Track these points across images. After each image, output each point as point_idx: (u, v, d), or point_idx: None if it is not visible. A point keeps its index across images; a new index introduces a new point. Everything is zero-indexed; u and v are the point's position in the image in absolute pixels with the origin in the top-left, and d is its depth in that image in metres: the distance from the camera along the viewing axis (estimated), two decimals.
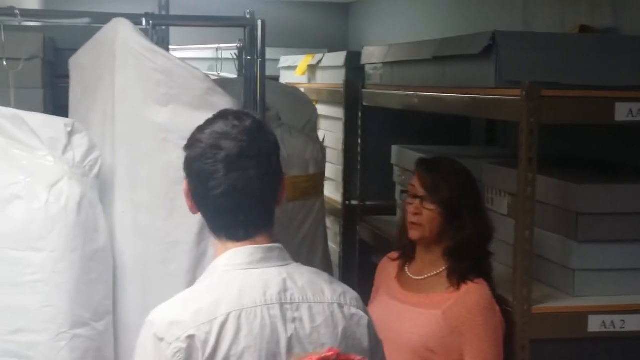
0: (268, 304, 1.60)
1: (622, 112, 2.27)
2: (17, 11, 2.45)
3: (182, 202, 2.33)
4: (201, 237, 2.35)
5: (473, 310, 2.24)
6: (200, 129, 1.73)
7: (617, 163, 2.80)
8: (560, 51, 2.39)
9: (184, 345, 1.55)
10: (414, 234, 2.39)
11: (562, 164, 2.66)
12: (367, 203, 3.67)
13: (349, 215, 3.74)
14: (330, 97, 4.03)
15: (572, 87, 2.27)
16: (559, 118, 2.29)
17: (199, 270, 2.34)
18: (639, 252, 2.33)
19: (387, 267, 2.55)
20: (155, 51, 2.33)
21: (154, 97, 2.33)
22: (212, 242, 1.73)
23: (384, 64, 3.39)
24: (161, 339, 1.57)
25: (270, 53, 2.83)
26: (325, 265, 3.14)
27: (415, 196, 2.38)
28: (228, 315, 1.58)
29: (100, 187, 2.33)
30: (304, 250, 3.04)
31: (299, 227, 3.00)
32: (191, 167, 1.70)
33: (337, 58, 3.98)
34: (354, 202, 3.74)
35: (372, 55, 3.54)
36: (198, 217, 2.35)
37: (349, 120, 3.76)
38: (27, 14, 2.66)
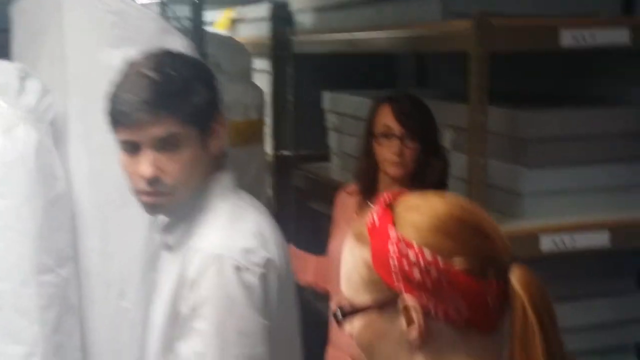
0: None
1: (567, 38, 2.38)
2: None
3: None
4: None
5: None
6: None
7: (565, 95, 2.92)
8: None
9: (264, 271, 1.62)
10: (396, 172, 2.41)
11: (508, 97, 2.79)
12: (301, 153, 3.78)
13: (281, 166, 3.84)
14: (254, 49, 4.09)
15: (517, 16, 2.40)
16: (508, 45, 2.38)
17: None
18: (584, 174, 2.50)
19: (345, 202, 2.62)
20: None
21: (106, 40, 2.33)
22: None
23: (317, 9, 3.50)
24: (242, 268, 1.61)
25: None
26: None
27: (391, 135, 2.39)
28: (273, 236, 1.71)
29: (53, 133, 2.33)
30: (252, 195, 3.11)
31: (243, 174, 3.07)
32: None
33: (261, 9, 4.05)
34: (286, 153, 3.84)
35: (304, 1, 3.63)
36: None
37: (276, 72, 3.84)
38: None
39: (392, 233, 1.18)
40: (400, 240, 1.18)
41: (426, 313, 1.17)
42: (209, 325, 1.65)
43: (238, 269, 1.61)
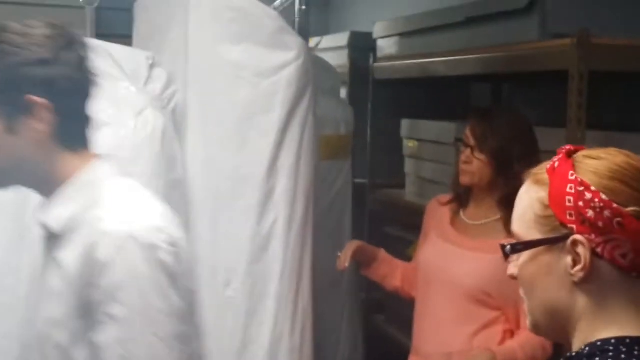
0: None
1: None
2: None
3: (252, 137, 2.54)
4: (270, 172, 2.51)
5: None
6: None
7: None
8: (603, 2, 2.59)
9: (177, 249, 1.56)
10: (463, 179, 2.51)
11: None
12: (376, 180, 3.90)
13: (357, 192, 3.95)
14: None
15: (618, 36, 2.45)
16: (609, 65, 2.43)
17: (269, 205, 2.52)
18: None
19: (437, 210, 2.69)
20: None
21: (227, 36, 2.48)
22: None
23: (402, 34, 3.64)
24: (156, 247, 1.53)
25: None
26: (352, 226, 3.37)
27: (467, 145, 2.50)
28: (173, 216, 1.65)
29: (174, 121, 2.46)
30: (336, 210, 3.24)
31: (330, 187, 3.20)
32: None
33: (339, 39, 4.19)
34: (361, 180, 3.94)
35: (387, 28, 3.78)
36: (268, 152, 2.55)
37: (355, 100, 3.92)
38: None
39: (572, 176, 1.27)
40: (578, 181, 1.25)
41: (593, 252, 1.24)
42: (128, 309, 1.53)
43: (152, 247, 1.52)
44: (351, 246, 2.69)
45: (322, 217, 2.92)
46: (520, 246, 1.32)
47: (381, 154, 3.89)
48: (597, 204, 1.23)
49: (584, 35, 2.35)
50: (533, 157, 2.41)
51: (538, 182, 1.32)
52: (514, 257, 1.34)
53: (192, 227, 2.48)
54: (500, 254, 2.28)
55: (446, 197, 2.68)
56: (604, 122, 2.70)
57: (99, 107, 2.26)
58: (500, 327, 2.45)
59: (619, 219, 1.22)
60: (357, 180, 3.94)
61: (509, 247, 1.33)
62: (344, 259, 2.65)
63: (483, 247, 2.45)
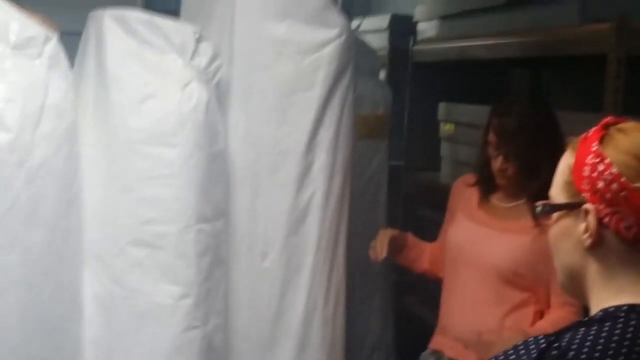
0: None
1: None
2: None
3: (293, 113, 2.58)
4: (310, 147, 2.56)
5: None
6: None
7: None
8: None
9: None
10: (501, 182, 2.54)
11: None
12: (411, 162, 3.98)
13: (392, 174, 4.02)
14: None
15: None
16: None
17: (307, 179, 2.58)
18: None
19: (464, 192, 2.70)
20: None
21: (272, 12, 2.52)
22: None
23: (442, 17, 3.70)
24: None
25: None
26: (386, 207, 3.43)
27: (496, 151, 2.48)
28: None
29: (218, 94, 2.48)
30: (371, 190, 3.31)
31: (366, 166, 3.28)
32: None
33: (380, 21, 4.26)
34: (397, 163, 4.01)
35: (428, 11, 3.85)
36: (308, 128, 2.61)
37: (393, 82, 3.99)
38: None
39: (594, 147, 1.33)
40: (597, 153, 1.31)
41: (601, 221, 1.30)
42: None
43: None
44: (386, 236, 2.69)
45: (357, 196, 2.97)
46: (547, 208, 1.39)
47: (417, 137, 3.97)
48: (607, 176, 1.29)
49: (623, 19, 2.39)
50: (560, 146, 2.38)
51: (572, 149, 1.39)
52: (546, 216, 1.41)
53: (232, 200, 2.54)
54: (531, 235, 2.37)
55: (472, 177, 2.70)
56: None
57: (147, 79, 2.38)
58: (531, 308, 2.48)
59: (624, 193, 1.27)
60: (392, 163, 4.01)
61: (539, 207, 1.40)
62: (381, 250, 2.65)
63: (513, 228, 2.49)
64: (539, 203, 1.41)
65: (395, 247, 2.73)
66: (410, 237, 2.83)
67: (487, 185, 2.62)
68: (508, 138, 2.45)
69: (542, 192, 2.34)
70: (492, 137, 2.51)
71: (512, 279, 2.47)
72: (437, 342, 2.68)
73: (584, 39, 2.62)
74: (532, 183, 2.43)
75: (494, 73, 3.85)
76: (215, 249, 2.44)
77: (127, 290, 2.36)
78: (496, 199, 2.61)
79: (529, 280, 2.46)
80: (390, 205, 3.85)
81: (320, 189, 2.60)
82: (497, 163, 2.50)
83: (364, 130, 3.14)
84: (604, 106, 2.45)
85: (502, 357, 1.28)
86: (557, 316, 2.39)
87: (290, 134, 2.56)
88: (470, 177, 2.71)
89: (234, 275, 2.55)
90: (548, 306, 2.47)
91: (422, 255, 2.84)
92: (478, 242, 2.54)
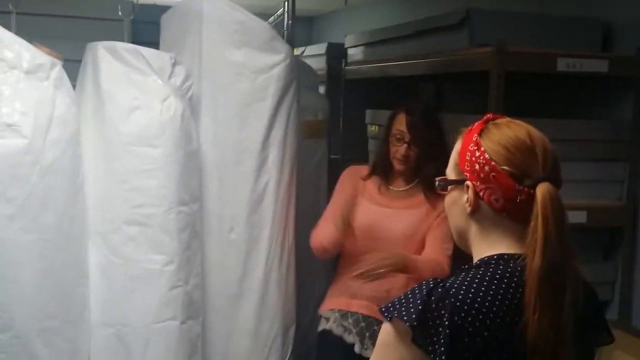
0: None
1: (562, 65, 2.47)
2: None
3: (250, 119, 2.56)
4: (264, 146, 2.56)
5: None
6: None
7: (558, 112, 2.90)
8: (512, 22, 2.65)
9: None
10: (400, 168, 2.48)
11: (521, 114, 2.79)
12: (347, 156, 3.97)
13: (332, 166, 4.03)
14: None
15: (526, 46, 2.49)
16: (519, 67, 2.45)
17: (262, 170, 2.57)
18: (569, 170, 2.53)
19: (358, 182, 2.59)
20: (234, 8, 2.51)
21: (231, 42, 2.51)
22: None
23: (367, 44, 3.71)
24: None
25: None
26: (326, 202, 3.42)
27: (403, 140, 2.44)
28: None
29: (190, 107, 2.46)
30: (315, 177, 3.29)
31: (310, 160, 3.26)
32: None
33: (319, 48, 4.25)
34: (336, 156, 4.02)
35: (355, 40, 3.86)
36: (262, 131, 2.60)
37: (330, 95, 3.97)
38: None
39: (474, 137, 1.33)
40: (475, 142, 1.32)
41: (477, 194, 1.31)
42: None
43: None
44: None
45: (305, 183, 2.94)
46: (442, 183, 1.40)
47: (351, 136, 3.91)
48: (481, 161, 1.29)
49: (501, 44, 2.40)
50: (444, 140, 2.43)
51: (461, 138, 1.37)
52: (444, 190, 1.41)
53: (205, 187, 2.53)
54: (424, 208, 2.31)
55: (363, 169, 2.63)
56: (516, 111, 2.77)
57: (133, 94, 2.36)
58: None
59: (494, 174, 1.27)
60: (333, 156, 4.01)
61: (437, 182, 1.41)
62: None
63: (410, 205, 2.49)
64: (438, 178, 1.41)
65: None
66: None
67: (386, 175, 2.57)
68: (414, 129, 2.43)
69: (433, 174, 2.19)
70: (397, 131, 2.46)
71: (414, 244, 2.43)
72: (342, 302, 2.51)
73: (472, 60, 2.61)
74: (426, 167, 2.41)
75: (407, 86, 3.87)
76: (192, 226, 2.43)
77: (123, 259, 2.35)
78: (393, 186, 2.56)
79: (418, 242, 2.43)
80: (330, 190, 3.86)
81: (273, 178, 2.60)
82: (401, 150, 2.45)
83: (308, 132, 3.14)
84: (488, 109, 2.44)
85: (402, 296, 1.28)
86: (430, 256, 2.38)
87: (249, 135, 2.56)
88: (361, 170, 2.64)
89: (207, 246, 2.54)
90: None
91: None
92: (385, 219, 2.48)
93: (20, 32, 2.29)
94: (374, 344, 2.25)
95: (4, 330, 2.18)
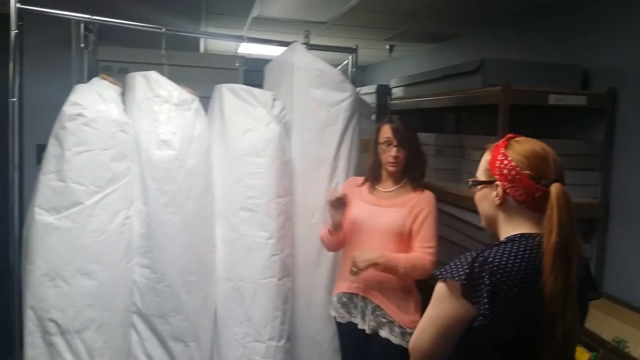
0: None
1: (552, 99, 2.44)
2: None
3: (326, 138, 2.52)
4: (336, 157, 2.54)
5: (429, 202, 2.15)
6: None
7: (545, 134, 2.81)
8: (514, 68, 2.63)
9: None
10: (393, 169, 2.19)
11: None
12: None
13: None
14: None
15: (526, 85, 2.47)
16: (521, 101, 2.41)
17: (334, 174, 2.54)
18: None
19: (354, 188, 2.29)
20: (315, 59, 2.55)
21: (313, 83, 2.54)
22: None
23: (405, 85, 3.68)
24: None
25: None
26: None
27: (392, 144, 2.17)
28: None
29: (285, 130, 2.50)
30: None
31: (362, 168, 3.23)
32: None
33: (371, 88, 4.20)
34: None
35: (397, 81, 3.83)
36: (335, 145, 2.52)
37: (379, 121, 3.94)
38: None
39: (502, 150, 1.32)
40: (504, 154, 1.31)
41: (505, 191, 1.31)
42: None
43: None
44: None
45: None
46: (475, 182, 1.38)
47: None
48: (509, 166, 1.30)
49: (507, 84, 2.39)
50: (420, 143, 2.25)
51: (489, 151, 1.37)
52: (475, 187, 1.39)
53: (294, 186, 2.52)
54: (408, 206, 2.14)
55: (359, 179, 2.32)
56: (518, 133, 2.70)
57: (246, 121, 2.37)
58: None
59: (518, 176, 1.28)
60: None
61: (470, 182, 1.38)
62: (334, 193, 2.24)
63: (397, 204, 2.16)
64: (470, 179, 1.39)
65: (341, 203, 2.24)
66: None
67: (374, 179, 2.26)
68: (398, 133, 2.17)
69: (418, 174, 2.18)
70: (385, 138, 2.18)
71: (398, 236, 2.13)
72: (348, 286, 2.19)
73: (485, 96, 2.57)
74: (412, 167, 2.19)
75: (434, 116, 3.83)
76: (286, 212, 2.43)
77: (239, 235, 2.35)
78: (381, 188, 2.24)
79: (406, 235, 2.12)
80: None
81: (342, 179, 2.58)
82: (392, 152, 2.16)
83: (364, 147, 3.08)
84: (497, 133, 2.40)
85: (451, 263, 1.25)
86: (414, 254, 2.10)
87: (325, 150, 2.55)
88: (356, 179, 2.34)
89: (296, 227, 2.53)
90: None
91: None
92: (373, 215, 2.15)
93: (171, 77, 2.32)
94: (375, 321, 2.09)
95: (159, 282, 2.21)
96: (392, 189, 2.23)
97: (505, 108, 2.38)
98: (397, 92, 3.87)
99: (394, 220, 2.14)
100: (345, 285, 2.22)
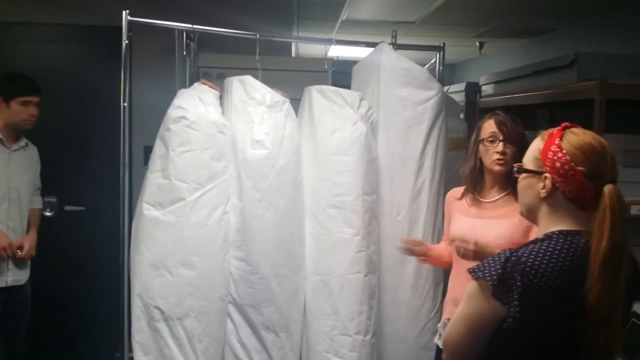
0: None
1: None
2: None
3: (412, 137, 2.51)
4: (422, 155, 2.53)
5: None
6: None
7: None
8: (609, 61, 2.57)
9: None
10: (500, 169, 1.93)
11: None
12: None
13: None
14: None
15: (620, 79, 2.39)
16: (618, 95, 2.34)
17: (420, 172, 2.54)
18: None
19: (454, 202, 2.13)
20: (401, 59, 2.56)
21: (399, 83, 2.55)
22: None
23: (496, 82, 3.64)
24: None
25: None
26: None
27: (497, 140, 1.93)
28: None
29: (371, 129, 2.51)
30: (454, 184, 3.23)
31: (454, 166, 3.19)
32: None
33: (459, 86, 4.21)
34: None
35: (487, 79, 3.79)
36: (421, 144, 2.49)
37: (468, 119, 3.86)
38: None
39: (556, 140, 1.25)
40: (558, 145, 1.24)
41: (554, 185, 1.24)
42: None
43: None
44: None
45: (449, 183, 2.89)
46: (521, 169, 1.31)
47: None
48: (562, 160, 1.23)
49: (603, 78, 2.32)
50: (527, 139, 1.92)
51: (542, 139, 1.30)
52: (520, 175, 1.32)
53: (380, 184, 2.52)
54: (516, 218, 1.89)
55: (459, 191, 2.13)
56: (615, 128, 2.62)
57: (334, 120, 2.42)
58: None
59: (571, 172, 1.22)
60: None
61: (516, 168, 1.32)
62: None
63: (502, 215, 1.95)
64: (516, 165, 1.32)
65: (419, 252, 2.18)
66: (426, 245, 2.22)
67: (475, 186, 2.04)
68: (505, 127, 1.94)
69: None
70: (489, 133, 1.95)
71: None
72: (451, 311, 2.03)
73: (580, 91, 2.51)
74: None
75: (526, 113, 3.73)
76: (372, 210, 2.44)
77: (327, 231, 2.38)
78: (484, 198, 2.03)
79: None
80: None
81: (428, 178, 2.57)
82: (498, 148, 1.92)
83: (451, 146, 3.05)
84: (593, 128, 2.36)
85: (485, 261, 1.22)
86: None
87: (411, 148, 2.54)
88: (456, 192, 2.15)
89: (381, 224, 2.54)
90: None
91: (442, 253, 2.21)
92: (477, 230, 1.96)
93: (265, 81, 2.39)
94: None
95: (253, 274, 2.29)
96: (497, 197, 1.98)
97: (601, 103, 2.30)
98: (487, 89, 3.84)
99: (500, 233, 1.91)
100: (453, 311, 2.05)
